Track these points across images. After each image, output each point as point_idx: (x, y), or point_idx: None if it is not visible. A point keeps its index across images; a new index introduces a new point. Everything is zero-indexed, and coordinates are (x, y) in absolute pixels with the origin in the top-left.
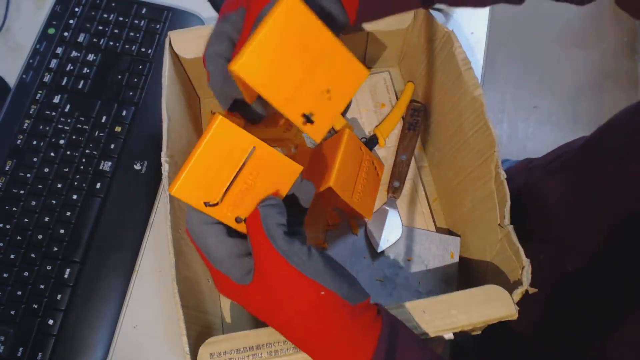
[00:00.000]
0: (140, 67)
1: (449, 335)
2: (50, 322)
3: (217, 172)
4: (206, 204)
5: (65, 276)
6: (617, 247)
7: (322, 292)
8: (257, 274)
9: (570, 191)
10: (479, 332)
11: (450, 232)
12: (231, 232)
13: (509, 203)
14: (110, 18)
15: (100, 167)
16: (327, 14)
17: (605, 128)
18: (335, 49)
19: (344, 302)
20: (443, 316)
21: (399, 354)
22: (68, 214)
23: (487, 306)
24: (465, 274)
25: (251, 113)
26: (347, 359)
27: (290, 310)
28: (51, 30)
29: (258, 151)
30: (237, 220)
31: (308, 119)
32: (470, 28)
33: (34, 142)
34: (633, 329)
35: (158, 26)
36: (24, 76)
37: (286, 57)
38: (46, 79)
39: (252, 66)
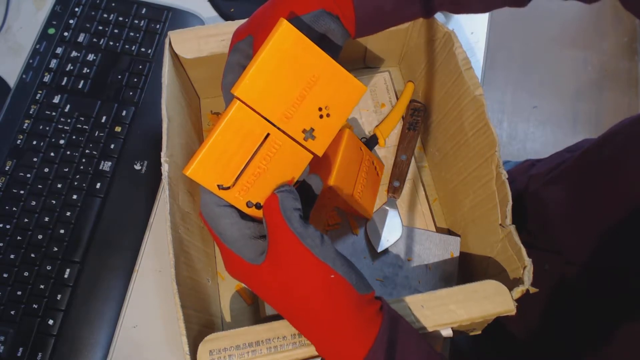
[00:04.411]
0: (140, 67)
1: (447, 332)
2: (50, 322)
3: (231, 156)
4: (219, 187)
5: (65, 276)
6: (616, 259)
7: (332, 276)
8: (271, 254)
9: (570, 202)
10: (479, 332)
11: (450, 232)
12: (243, 216)
13: (510, 203)
14: (110, 18)
15: (100, 167)
16: (327, 32)
17: (604, 138)
18: (331, 68)
19: (352, 288)
20: (442, 311)
21: (399, 344)
22: (68, 214)
23: (485, 301)
24: (465, 274)
25: None
26: (349, 346)
27: (300, 290)
28: (51, 30)
29: (272, 137)
30: (248, 204)
31: (309, 135)
32: (470, 28)
33: (34, 142)
34: (629, 340)
35: (158, 26)
36: (24, 76)
37: (283, 79)
38: (46, 79)
39: (251, 90)
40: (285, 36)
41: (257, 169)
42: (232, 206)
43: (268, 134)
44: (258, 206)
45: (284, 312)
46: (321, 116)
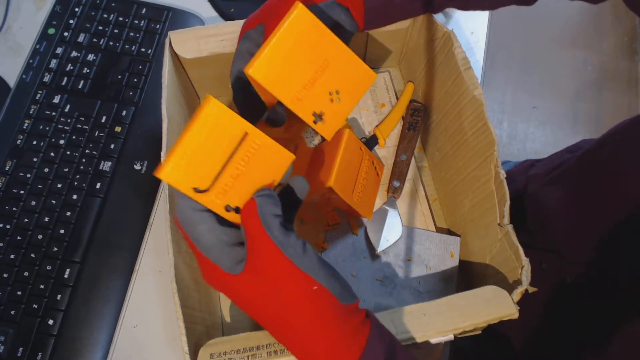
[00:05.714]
0: (140, 67)
1: (448, 337)
2: (50, 322)
3: (207, 157)
4: (195, 190)
5: (65, 276)
6: (616, 259)
7: (315, 287)
8: (250, 264)
9: (570, 202)
10: (479, 332)
11: (450, 232)
12: (221, 221)
13: (508, 202)
14: (110, 18)
15: (100, 167)
16: (337, 23)
17: (604, 139)
18: (343, 54)
19: (335, 300)
20: (443, 318)
21: (386, 354)
22: (68, 214)
23: (487, 307)
24: (465, 274)
25: (274, 115)
26: (337, 358)
27: (281, 303)
28: (51, 30)
29: (250, 137)
30: (227, 208)
31: (319, 118)
32: (470, 28)
33: (34, 142)
34: (629, 340)
35: (158, 26)
36: (24, 76)
37: (297, 61)
38: (46, 79)
39: (264, 70)
40: (300, 19)
41: (236, 170)
42: (209, 211)
43: (246, 133)
44: (237, 210)
45: (264, 324)
46: (332, 100)
